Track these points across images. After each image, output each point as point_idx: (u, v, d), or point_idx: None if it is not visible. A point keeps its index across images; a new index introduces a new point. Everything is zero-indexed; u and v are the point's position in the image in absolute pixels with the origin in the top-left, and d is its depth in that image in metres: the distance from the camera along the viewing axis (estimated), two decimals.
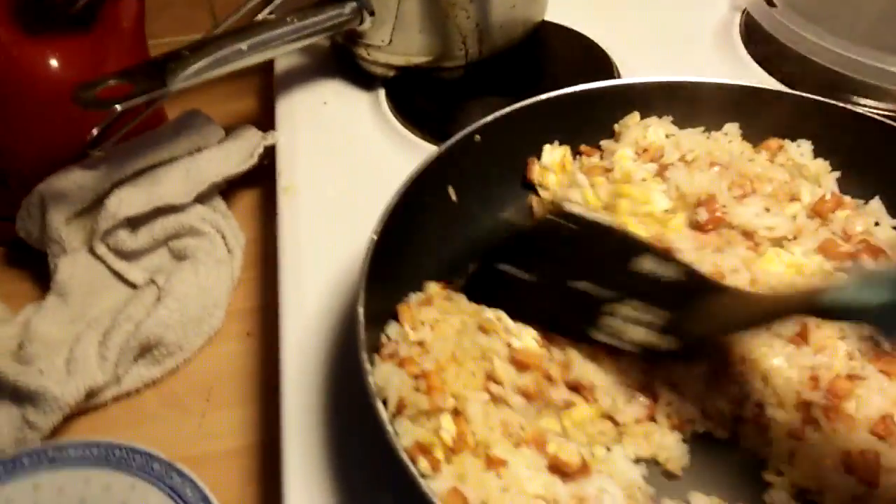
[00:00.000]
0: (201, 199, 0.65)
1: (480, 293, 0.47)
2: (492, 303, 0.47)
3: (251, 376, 0.59)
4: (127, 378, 0.57)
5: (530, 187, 0.58)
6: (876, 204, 0.51)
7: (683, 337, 0.43)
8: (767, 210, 0.50)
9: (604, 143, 0.58)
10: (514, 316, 0.46)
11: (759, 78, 0.72)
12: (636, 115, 0.58)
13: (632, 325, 0.43)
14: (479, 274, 0.48)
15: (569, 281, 0.45)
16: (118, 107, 0.51)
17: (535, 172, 0.56)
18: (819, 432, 0.42)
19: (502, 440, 0.40)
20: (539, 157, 0.57)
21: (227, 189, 0.70)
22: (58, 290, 0.60)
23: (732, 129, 0.56)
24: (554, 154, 0.57)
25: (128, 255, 0.62)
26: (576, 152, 0.58)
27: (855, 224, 0.49)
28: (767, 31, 0.73)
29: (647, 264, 0.43)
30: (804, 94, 0.54)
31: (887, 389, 0.42)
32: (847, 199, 0.52)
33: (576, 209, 0.47)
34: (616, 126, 0.58)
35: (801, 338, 0.44)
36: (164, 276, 0.61)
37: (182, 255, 0.63)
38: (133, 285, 0.63)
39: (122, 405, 0.57)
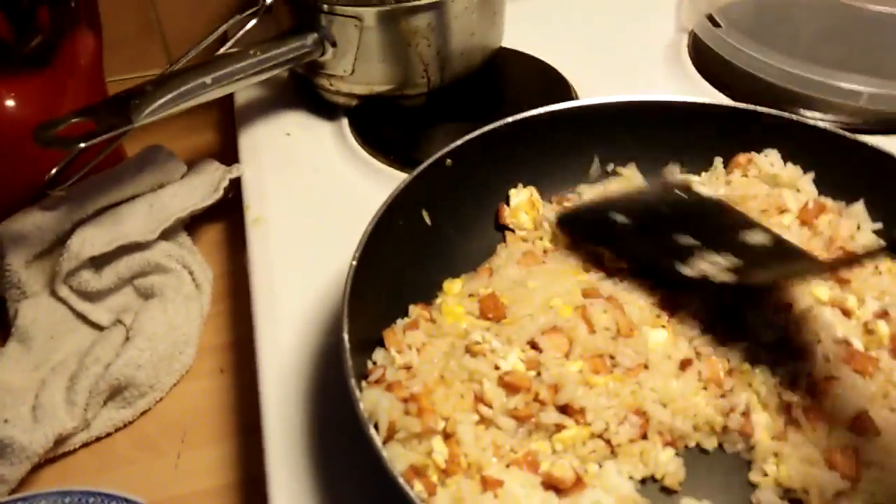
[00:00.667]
0: (166, 235, 0.64)
1: (578, 227, 0.54)
2: (587, 237, 0.53)
3: (227, 413, 0.57)
4: (97, 422, 0.55)
5: (504, 229, 0.58)
6: (858, 207, 0.53)
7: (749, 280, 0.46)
8: None
9: (580, 188, 0.59)
10: (608, 247, 0.52)
11: (709, 95, 0.75)
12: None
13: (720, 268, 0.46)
14: (586, 213, 0.55)
15: (673, 234, 0.49)
16: (82, 144, 0.50)
17: (507, 215, 0.57)
18: (800, 432, 0.43)
19: (494, 461, 0.40)
20: (507, 201, 0.58)
21: (191, 224, 0.69)
22: (19, 336, 0.58)
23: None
24: (521, 196, 0.58)
25: (92, 296, 0.61)
26: (547, 200, 0.59)
27: (839, 229, 0.51)
28: (714, 50, 0.76)
29: (749, 236, 0.48)
30: (761, 109, 0.56)
31: (861, 388, 0.44)
32: (829, 202, 0.54)
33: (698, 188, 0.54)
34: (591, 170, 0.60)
35: (782, 343, 0.46)
36: (132, 316, 0.60)
37: (149, 293, 0.62)
38: (98, 327, 0.61)
39: (92, 450, 0.55)
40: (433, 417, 0.40)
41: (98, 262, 0.60)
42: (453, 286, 0.51)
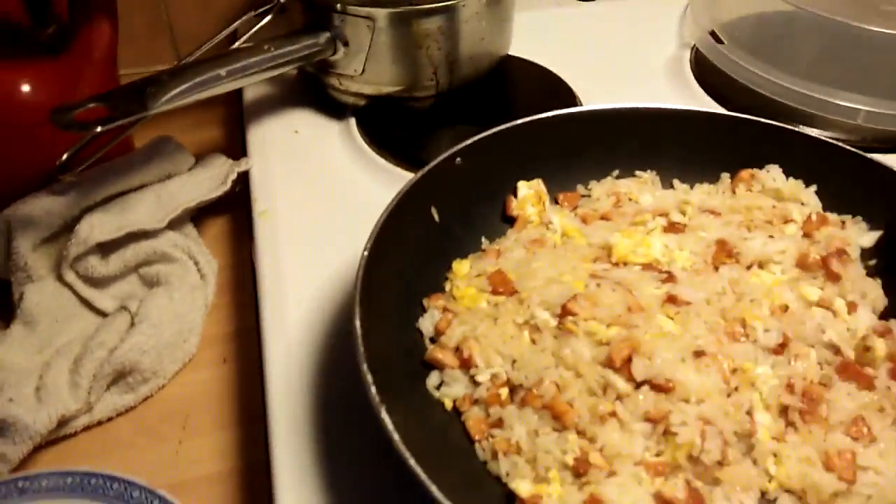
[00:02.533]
0: (172, 225, 0.64)
1: None
2: None
3: (228, 402, 0.57)
4: (99, 406, 0.55)
5: (510, 220, 0.59)
6: (858, 225, 0.55)
7: None
8: (771, 237, 0.53)
9: (591, 184, 0.60)
10: None
11: (711, 108, 0.76)
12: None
13: None
14: None
15: None
16: (99, 129, 0.51)
17: (514, 207, 0.58)
18: (798, 434, 0.44)
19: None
20: (515, 194, 0.59)
21: (197, 216, 0.70)
22: (24, 318, 0.58)
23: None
24: (529, 188, 0.59)
25: (97, 282, 0.61)
26: (553, 200, 0.60)
27: (835, 241, 0.52)
28: (716, 65, 0.78)
29: None
30: (762, 120, 0.58)
31: (856, 395, 0.45)
32: (831, 216, 0.55)
33: None
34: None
35: (782, 347, 0.47)
36: (136, 303, 0.60)
37: (154, 282, 0.62)
38: (102, 313, 0.61)
39: (94, 434, 0.55)
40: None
41: (105, 249, 0.60)
42: (462, 267, 0.52)
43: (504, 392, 0.45)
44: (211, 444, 0.54)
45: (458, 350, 0.47)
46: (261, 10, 0.68)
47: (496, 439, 0.43)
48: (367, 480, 0.45)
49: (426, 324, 0.49)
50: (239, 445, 0.54)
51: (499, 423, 0.44)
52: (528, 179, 0.59)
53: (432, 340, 0.49)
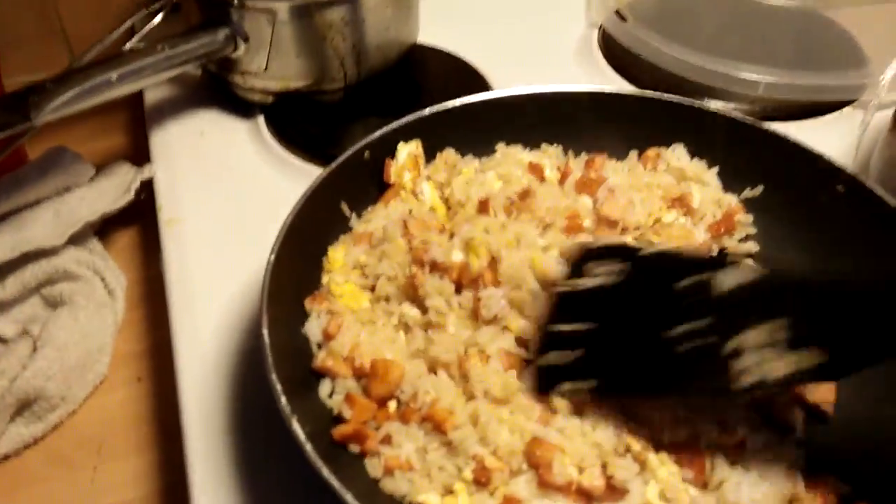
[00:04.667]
0: (75, 240, 0.61)
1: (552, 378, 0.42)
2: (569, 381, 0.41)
3: (145, 423, 0.55)
4: (4, 439, 0.52)
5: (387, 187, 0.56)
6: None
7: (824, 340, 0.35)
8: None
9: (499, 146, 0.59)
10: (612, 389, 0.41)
11: (620, 86, 0.77)
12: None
13: (767, 355, 0.36)
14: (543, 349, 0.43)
15: (660, 331, 0.38)
16: None
17: (392, 172, 0.55)
18: None
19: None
20: (394, 156, 0.57)
21: (102, 229, 0.67)
22: None
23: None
24: (407, 149, 0.57)
25: None
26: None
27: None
28: (622, 44, 0.79)
29: (723, 279, 0.38)
30: (666, 96, 0.59)
31: None
32: (739, 217, 0.54)
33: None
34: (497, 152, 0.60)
35: None
36: (39, 326, 0.57)
37: (57, 302, 0.59)
38: (2, 339, 0.57)
39: (1, 469, 0.52)
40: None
41: (1, 271, 0.57)
42: (336, 254, 0.50)
43: (392, 405, 0.43)
44: (128, 469, 0.52)
45: (348, 358, 0.45)
46: (153, 7, 0.65)
47: (387, 456, 0.40)
48: (285, 493, 0.44)
49: (312, 329, 0.46)
50: (158, 467, 0.52)
51: (387, 439, 0.41)
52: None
53: (319, 346, 0.46)
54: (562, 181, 0.56)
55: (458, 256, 0.48)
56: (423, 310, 0.47)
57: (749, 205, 0.56)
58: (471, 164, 0.58)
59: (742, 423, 0.41)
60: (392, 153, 0.56)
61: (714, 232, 0.54)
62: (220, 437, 0.47)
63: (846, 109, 0.71)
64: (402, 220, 0.51)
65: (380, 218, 0.52)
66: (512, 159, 0.57)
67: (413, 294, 0.47)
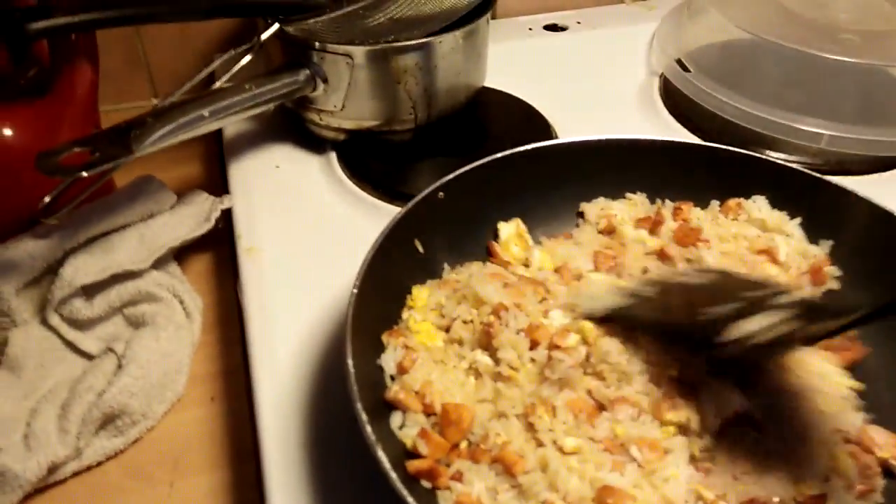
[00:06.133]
0: (156, 264, 0.65)
1: None
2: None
3: (219, 441, 0.57)
4: (88, 451, 0.54)
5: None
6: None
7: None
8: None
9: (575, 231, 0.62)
10: None
11: (681, 135, 0.79)
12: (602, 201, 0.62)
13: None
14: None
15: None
16: (84, 174, 0.51)
17: (499, 251, 0.58)
18: None
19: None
20: (496, 237, 0.60)
21: (179, 253, 0.70)
22: (8, 365, 0.57)
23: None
24: (509, 229, 0.60)
25: (82, 325, 0.61)
26: (536, 240, 0.60)
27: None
28: (683, 92, 0.81)
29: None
30: (732, 148, 0.60)
31: None
32: (826, 269, 0.55)
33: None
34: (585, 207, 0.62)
35: None
36: (122, 345, 0.60)
37: (139, 322, 0.62)
38: (87, 355, 0.61)
39: (83, 480, 0.54)
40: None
41: (89, 291, 0.60)
42: (421, 293, 0.53)
43: (463, 444, 0.45)
44: (203, 485, 0.54)
45: (419, 393, 0.46)
46: (241, 48, 0.69)
47: (459, 493, 0.41)
48: None
49: (388, 361, 0.48)
50: (231, 485, 0.54)
51: (458, 476, 0.43)
52: (506, 210, 0.61)
53: (392, 378, 0.48)
54: (653, 229, 0.57)
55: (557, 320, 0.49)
56: (496, 359, 0.48)
57: None
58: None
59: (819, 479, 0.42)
60: (464, 195, 0.58)
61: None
62: (296, 458, 0.49)
63: None
64: (492, 273, 0.53)
65: (472, 269, 0.55)
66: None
67: (486, 342, 0.49)
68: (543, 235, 0.61)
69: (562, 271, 0.55)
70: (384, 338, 0.50)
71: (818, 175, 0.57)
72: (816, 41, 0.75)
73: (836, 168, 0.71)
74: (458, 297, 0.52)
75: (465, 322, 0.50)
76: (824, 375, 0.49)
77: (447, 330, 0.51)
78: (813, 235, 0.57)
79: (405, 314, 0.52)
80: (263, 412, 0.52)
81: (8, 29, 0.54)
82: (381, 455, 0.38)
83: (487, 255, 0.59)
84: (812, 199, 0.57)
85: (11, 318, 0.59)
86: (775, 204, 0.59)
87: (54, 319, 0.60)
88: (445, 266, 0.57)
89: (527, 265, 0.57)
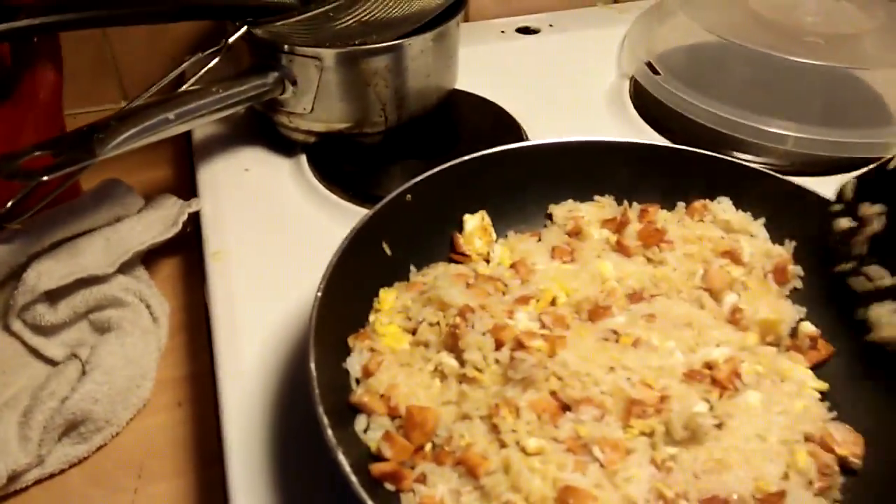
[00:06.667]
0: (123, 268, 0.64)
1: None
2: None
3: (184, 447, 0.57)
4: (51, 458, 0.54)
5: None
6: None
7: None
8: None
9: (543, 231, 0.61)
10: None
11: (650, 136, 0.79)
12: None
13: None
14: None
15: None
16: (46, 178, 0.50)
17: (462, 243, 0.59)
18: None
19: None
20: (461, 230, 0.60)
21: (146, 257, 0.69)
22: None
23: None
24: (474, 221, 0.60)
25: (46, 331, 0.60)
26: (503, 235, 0.61)
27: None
28: (653, 95, 0.81)
29: None
30: (699, 150, 0.60)
31: None
32: (790, 268, 0.56)
33: None
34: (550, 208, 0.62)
35: None
36: (86, 350, 0.59)
37: (105, 327, 0.61)
38: (50, 361, 0.60)
39: (45, 487, 0.54)
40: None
41: (53, 296, 0.60)
42: (388, 295, 0.53)
43: (427, 447, 0.44)
44: (168, 492, 0.54)
45: (384, 396, 0.46)
46: (209, 51, 0.68)
47: (422, 495, 0.41)
48: None
49: (353, 364, 0.48)
50: (196, 490, 0.54)
51: (422, 478, 0.42)
52: (474, 212, 0.61)
53: (357, 381, 0.48)
54: (618, 230, 0.58)
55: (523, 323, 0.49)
56: (461, 361, 0.48)
57: None
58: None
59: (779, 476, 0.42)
60: (432, 197, 0.58)
61: None
62: (261, 462, 0.48)
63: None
64: (456, 273, 0.53)
65: (437, 271, 0.55)
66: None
67: (452, 344, 0.49)
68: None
69: (517, 266, 0.56)
70: (350, 341, 0.49)
71: (780, 176, 0.58)
72: (783, 44, 0.76)
73: (801, 169, 0.72)
74: (424, 300, 0.51)
75: (431, 325, 0.50)
76: (790, 376, 0.49)
77: (413, 332, 0.51)
78: (777, 236, 0.58)
79: (372, 317, 0.51)
80: (229, 417, 0.51)
81: None
82: (342, 458, 0.38)
83: (451, 249, 0.59)
84: (776, 200, 0.58)
85: None
86: (740, 205, 0.59)
87: (16, 325, 0.59)
88: (412, 268, 0.56)
89: (487, 260, 0.57)
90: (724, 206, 0.59)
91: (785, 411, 0.46)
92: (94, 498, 0.53)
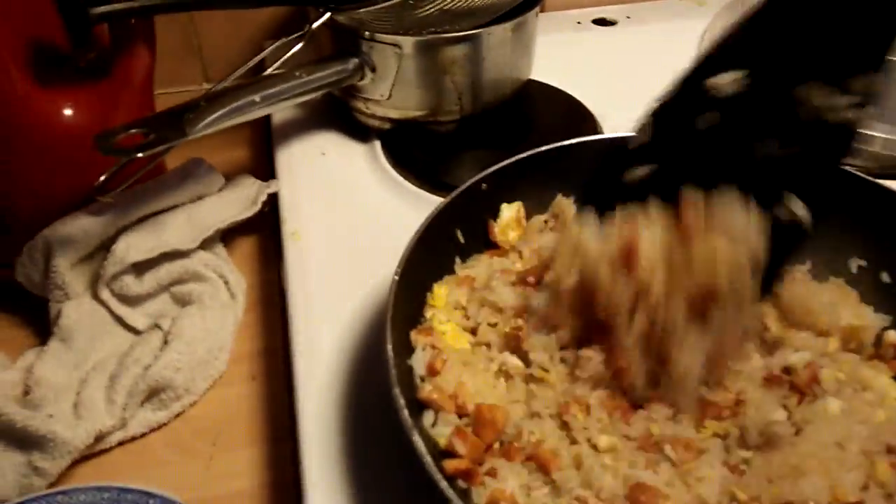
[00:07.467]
0: (203, 244, 0.66)
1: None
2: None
3: (258, 419, 0.59)
4: (133, 422, 0.57)
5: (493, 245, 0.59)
6: None
7: None
8: None
9: None
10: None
11: None
12: None
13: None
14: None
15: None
16: (140, 154, 0.53)
17: (496, 232, 0.58)
18: None
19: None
20: (496, 218, 0.59)
21: (225, 235, 0.72)
22: (61, 335, 0.60)
23: None
24: (509, 212, 0.59)
25: (131, 300, 0.63)
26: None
27: None
28: None
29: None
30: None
31: None
32: None
33: None
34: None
35: None
36: (168, 321, 0.62)
37: (186, 300, 0.64)
38: (134, 330, 0.63)
39: (127, 449, 0.57)
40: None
41: (139, 268, 0.62)
42: (441, 291, 0.52)
43: (496, 443, 0.44)
44: (241, 461, 0.56)
45: (452, 395, 0.46)
46: (292, 36, 0.70)
47: (492, 489, 0.41)
48: (396, 499, 0.46)
49: (417, 361, 0.48)
50: (268, 462, 0.56)
51: (493, 472, 0.42)
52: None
53: (422, 378, 0.48)
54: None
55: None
56: (526, 361, 0.48)
57: None
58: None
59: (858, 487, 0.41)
60: (506, 187, 0.58)
61: None
62: (332, 439, 0.50)
63: None
64: (501, 270, 0.53)
65: (483, 266, 0.55)
66: None
67: (515, 345, 0.49)
68: None
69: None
70: (412, 335, 0.49)
71: (866, 177, 0.56)
72: None
73: (889, 172, 0.69)
74: (479, 300, 0.51)
75: (490, 325, 0.50)
76: (872, 385, 0.48)
77: (473, 332, 0.51)
78: None
79: (428, 313, 0.52)
80: (301, 393, 0.53)
81: (70, 13, 0.55)
82: (417, 439, 0.39)
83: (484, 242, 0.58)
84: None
85: (65, 291, 0.61)
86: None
87: (105, 294, 0.62)
88: (457, 259, 0.56)
89: (520, 253, 0.57)
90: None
91: (866, 420, 0.45)
92: (172, 462, 0.56)
